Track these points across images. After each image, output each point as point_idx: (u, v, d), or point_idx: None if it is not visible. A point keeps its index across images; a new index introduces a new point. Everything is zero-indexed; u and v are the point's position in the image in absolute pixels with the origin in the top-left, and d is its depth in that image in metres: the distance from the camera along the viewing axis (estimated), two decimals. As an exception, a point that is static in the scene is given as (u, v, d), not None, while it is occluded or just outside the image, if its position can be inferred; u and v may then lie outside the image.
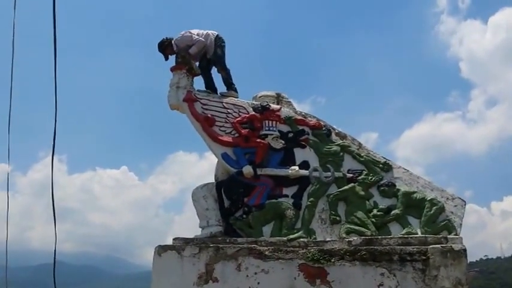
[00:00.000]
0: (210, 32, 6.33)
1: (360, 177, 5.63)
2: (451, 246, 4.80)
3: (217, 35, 6.31)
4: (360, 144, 5.92)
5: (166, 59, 6.34)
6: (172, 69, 6.13)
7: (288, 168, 5.64)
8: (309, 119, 6.00)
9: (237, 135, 5.82)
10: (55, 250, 5.25)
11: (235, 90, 6.27)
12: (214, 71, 6.41)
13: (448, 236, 5.09)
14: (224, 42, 6.35)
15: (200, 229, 5.51)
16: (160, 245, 5.19)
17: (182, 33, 6.28)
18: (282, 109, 6.01)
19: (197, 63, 6.32)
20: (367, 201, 5.53)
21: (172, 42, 6.26)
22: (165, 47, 6.30)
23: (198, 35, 6.25)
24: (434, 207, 5.39)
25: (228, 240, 5.23)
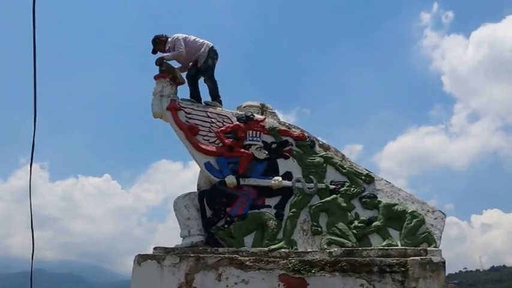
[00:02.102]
0: (206, 41, 6.44)
1: (342, 189, 5.67)
2: (430, 258, 4.85)
3: (212, 47, 6.41)
4: (343, 156, 5.96)
5: (154, 53, 6.46)
6: (156, 78, 6.13)
7: (271, 179, 5.64)
8: (293, 130, 6.03)
9: (220, 144, 5.81)
10: (32, 259, 5.16)
11: (220, 103, 6.30)
12: (201, 83, 6.45)
13: (428, 248, 5.15)
14: (217, 55, 6.45)
15: (181, 238, 5.47)
16: (140, 254, 5.12)
17: (178, 36, 6.35)
18: (266, 119, 6.03)
19: (185, 73, 6.38)
20: (348, 213, 5.56)
21: (168, 40, 6.38)
22: (159, 41, 6.45)
23: (194, 42, 6.37)
24: (415, 220, 5.44)
25: (209, 250, 5.20)
